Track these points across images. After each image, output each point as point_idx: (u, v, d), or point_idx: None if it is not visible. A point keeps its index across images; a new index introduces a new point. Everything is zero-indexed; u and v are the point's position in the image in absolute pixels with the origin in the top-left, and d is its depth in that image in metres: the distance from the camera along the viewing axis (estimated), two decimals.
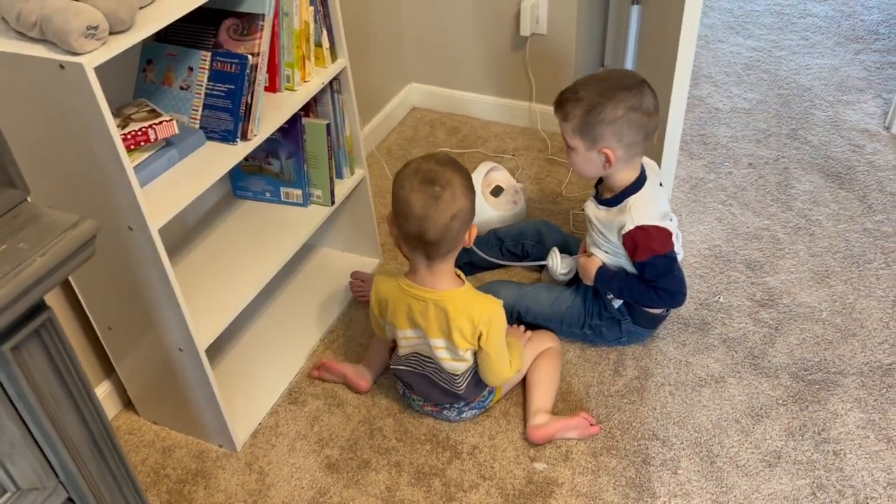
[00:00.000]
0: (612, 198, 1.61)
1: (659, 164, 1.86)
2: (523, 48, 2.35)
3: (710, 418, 1.60)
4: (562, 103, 1.56)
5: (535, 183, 2.27)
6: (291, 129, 1.66)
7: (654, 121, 1.55)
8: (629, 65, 2.61)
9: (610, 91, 1.52)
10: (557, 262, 1.75)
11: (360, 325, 1.86)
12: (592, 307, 1.71)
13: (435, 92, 2.60)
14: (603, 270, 1.66)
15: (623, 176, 1.59)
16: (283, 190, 1.75)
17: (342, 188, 1.79)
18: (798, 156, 2.31)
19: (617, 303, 1.70)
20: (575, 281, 1.77)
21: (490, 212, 2.04)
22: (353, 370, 1.70)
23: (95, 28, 1.07)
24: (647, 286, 1.60)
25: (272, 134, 1.56)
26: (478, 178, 2.05)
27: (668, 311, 1.75)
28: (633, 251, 1.57)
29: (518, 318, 1.77)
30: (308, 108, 1.69)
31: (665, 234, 1.56)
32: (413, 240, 1.41)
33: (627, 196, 1.58)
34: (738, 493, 1.47)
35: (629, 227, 1.55)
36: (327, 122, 1.68)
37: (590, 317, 1.72)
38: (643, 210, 1.56)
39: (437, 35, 2.46)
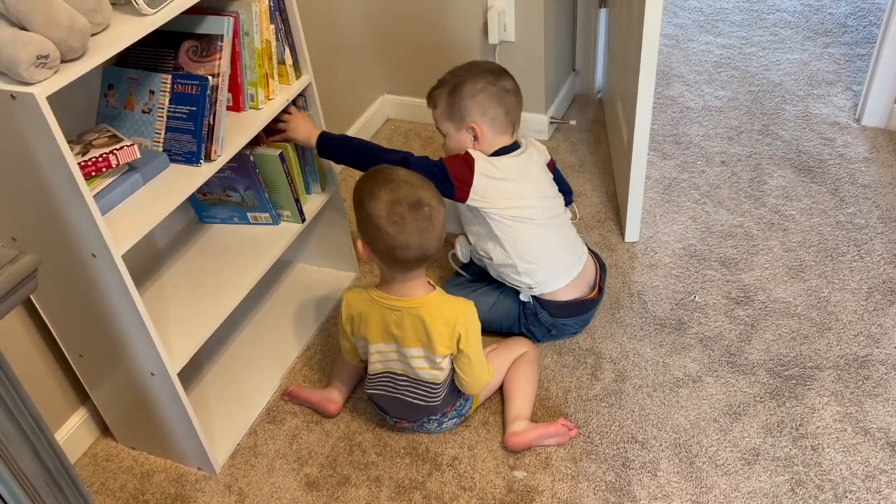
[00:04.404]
0: None
1: (629, 166, 1.86)
2: (492, 56, 2.35)
3: (689, 419, 1.60)
4: (430, 94, 1.70)
5: None
6: (241, 165, 1.64)
7: (512, 99, 1.66)
8: (600, 67, 2.63)
9: (469, 73, 1.66)
10: (463, 248, 1.78)
11: (338, 341, 1.85)
12: (520, 308, 1.73)
13: (408, 102, 2.60)
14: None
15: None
16: (249, 214, 1.74)
17: (313, 205, 1.79)
18: (770, 151, 2.32)
19: (525, 297, 1.71)
20: (495, 280, 1.77)
21: None
22: (320, 395, 1.68)
23: (46, 57, 1.06)
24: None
25: (223, 171, 1.56)
26: None
27: (588, 303, 1.75)
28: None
29: None
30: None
31: (464, 167, 1.60)
32: (411, 262, 1.42)
33: None
34: (717, 492, 1.47)
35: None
36: (279, 151, 1.66)
37: (522, 317, 1.73)
38: (479, 156, 1.62)
39: (407, 46, 2.46)
